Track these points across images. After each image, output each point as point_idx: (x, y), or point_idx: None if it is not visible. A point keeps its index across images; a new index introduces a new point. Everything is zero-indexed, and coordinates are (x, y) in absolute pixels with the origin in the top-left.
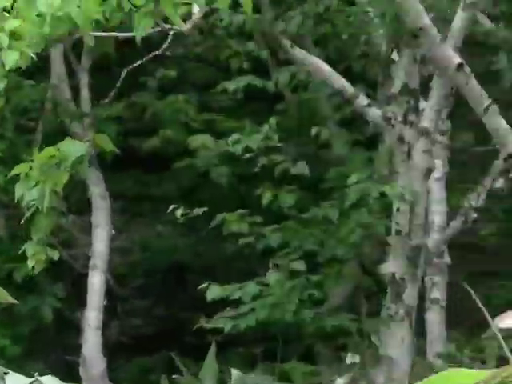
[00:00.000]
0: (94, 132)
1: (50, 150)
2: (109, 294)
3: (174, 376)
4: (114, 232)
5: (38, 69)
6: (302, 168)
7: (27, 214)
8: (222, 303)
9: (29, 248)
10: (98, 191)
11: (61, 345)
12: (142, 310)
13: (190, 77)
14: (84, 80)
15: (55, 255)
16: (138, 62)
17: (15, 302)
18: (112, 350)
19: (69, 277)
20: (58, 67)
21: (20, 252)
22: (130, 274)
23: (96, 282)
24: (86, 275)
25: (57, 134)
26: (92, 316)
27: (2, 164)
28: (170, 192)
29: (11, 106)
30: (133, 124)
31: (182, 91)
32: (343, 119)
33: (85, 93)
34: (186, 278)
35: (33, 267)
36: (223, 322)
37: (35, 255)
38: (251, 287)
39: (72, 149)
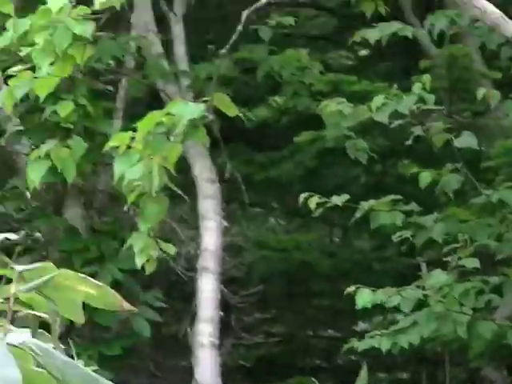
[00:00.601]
0: (193, 96)
1: (156, 115)
2: (221, 303)
3: None
4: (225, 224)
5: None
6: (468, 140)
7: (130, 198)
8: (355, 316)
9: (137, 241)
10: (204, 173)
11: (161, 368)
12: (262, 325)
13: (306, 27)
14: (178, 30)
15: (171, 250)
16: (258, 5)
17: (133, 309)
18: (229, 374)
19: (164, 281)
20: (144, 14)
21: (126, 246)
22: (244, 279)
23: (208, 288)
24: (188, 280)
25: (144, 100)
26: (205, 331)
27: None
28: (287, 174)
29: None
30: (241, 86)
31: (296, 45)
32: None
33: (179, 46)
34: (311, 284)
35: (142, 268)
36: (378, 340)
37: (144, 251)
38: (412, 292)
39: (185, 111)
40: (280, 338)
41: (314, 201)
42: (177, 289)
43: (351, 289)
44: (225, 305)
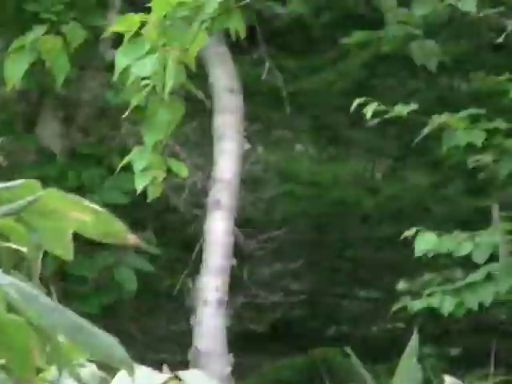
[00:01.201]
0: None
1: None
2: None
3: None
4: (248, 146)
5: None
6: None
7: (137, 98)
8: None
9: (139, 157)
10: (223, 81)
11: (147, 331)
12: (280, 280)
13: None
14: None
15: (183, 171)
16: None
17: (139, 244)
18: (234, 342)
19: (158, 221)
20: None
21: (122, 164)
22: (262, 220)
23: (219, 229)
24: (194, 219)
25: None
26: (211, 285)
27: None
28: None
29: None
30: None
31: None
32: None
33: None
34: (347, 229)
35: (143, 193)
36: (434, 299)
37: (149, 170)
38: (487, 238)
39: None
40: (302, 297)
41: (371, 107)
42: (174, 230)
43: (410, 232)
44: (236, 252)
